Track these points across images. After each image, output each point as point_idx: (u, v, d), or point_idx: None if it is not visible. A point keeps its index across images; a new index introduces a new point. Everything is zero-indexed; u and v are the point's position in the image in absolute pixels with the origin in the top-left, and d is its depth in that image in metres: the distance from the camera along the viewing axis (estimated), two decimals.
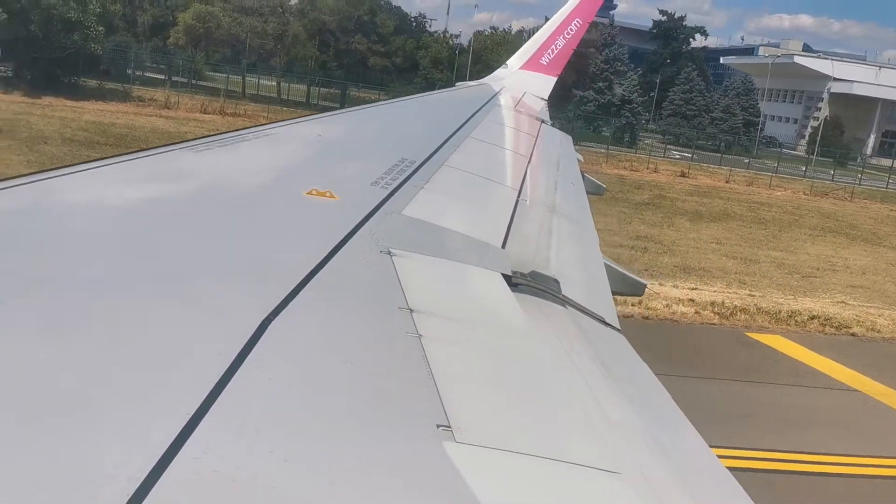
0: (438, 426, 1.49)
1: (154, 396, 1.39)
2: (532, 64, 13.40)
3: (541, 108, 11.54)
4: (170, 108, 48.03)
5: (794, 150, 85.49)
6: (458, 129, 6.15)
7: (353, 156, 4.65)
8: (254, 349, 1.60)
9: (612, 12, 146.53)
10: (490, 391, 1.84)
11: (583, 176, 7.48)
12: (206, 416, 1.33)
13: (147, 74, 62.14)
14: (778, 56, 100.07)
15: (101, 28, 48.79)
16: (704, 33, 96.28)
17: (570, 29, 13.41)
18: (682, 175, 49.70)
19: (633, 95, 68.91)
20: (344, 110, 7.29)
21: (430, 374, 1.70)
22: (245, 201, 2.98)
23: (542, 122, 9.85)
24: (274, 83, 65.51)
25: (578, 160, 8.61)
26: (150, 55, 64.83)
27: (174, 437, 1.25)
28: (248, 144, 4.10)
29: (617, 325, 2.93)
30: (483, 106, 8.78)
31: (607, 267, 3.92)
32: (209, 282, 2.02)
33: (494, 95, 10.65)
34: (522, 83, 12.60)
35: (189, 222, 2.58)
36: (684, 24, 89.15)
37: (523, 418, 1.73)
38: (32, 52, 45.19)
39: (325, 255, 2.31)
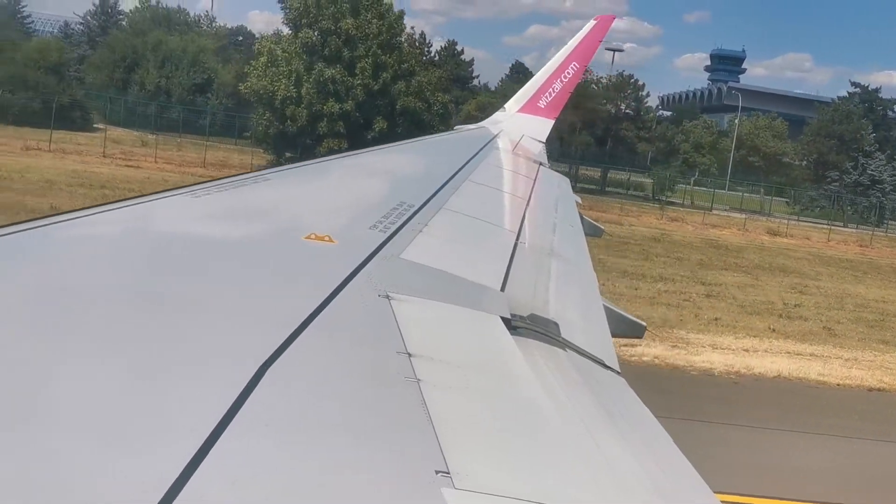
0: (437, 472, 1.48)
1: (149, 443, 1.38)
2: (530, 107, 13.52)
3: (539, 150, 11.62)
4: None
5: None
6: (457, 172, 6.19)
7: (351, 199, 4.68)
8: (251, 394, 1.59)
9: (739, 76, 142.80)
10: (489, 436, 1.83)
11: (581, 217, 7.51)
12: (203, 463, 1.32)
13: None
14: None
15: (440, 127, 53.24)
16: None
17: (568, 72, 13.56)
18: None
19: (884, 175, 68.67)
20: (343, 155, 7.34)
21: (428, 420, 1.69)
22: (243, 246, 2.98)
23: (540, 164, 9.91)
24: None
25: (577, 202, 8.64)
26: None
27: (170, 485, 1.24)
28: (248, 189, 4.13)
29: (617, 367, 2.91)
30: (481, 149, 8.84)
31: (606, 309, 3.92)
32: (207, 327, 2.01)
33: (492, 139, 10.73)
34: (520, 126, 12.70)
35: (187, 267, 2.58)
36: (879, 95, 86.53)
37: (523, 464, 1.72)
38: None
39: (323, 299, 2.30)
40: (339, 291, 2.43)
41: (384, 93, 46.35)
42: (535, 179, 8.21)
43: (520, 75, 79.48)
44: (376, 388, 1.87)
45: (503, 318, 2.69)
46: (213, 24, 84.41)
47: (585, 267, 4.94)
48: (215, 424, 1.44)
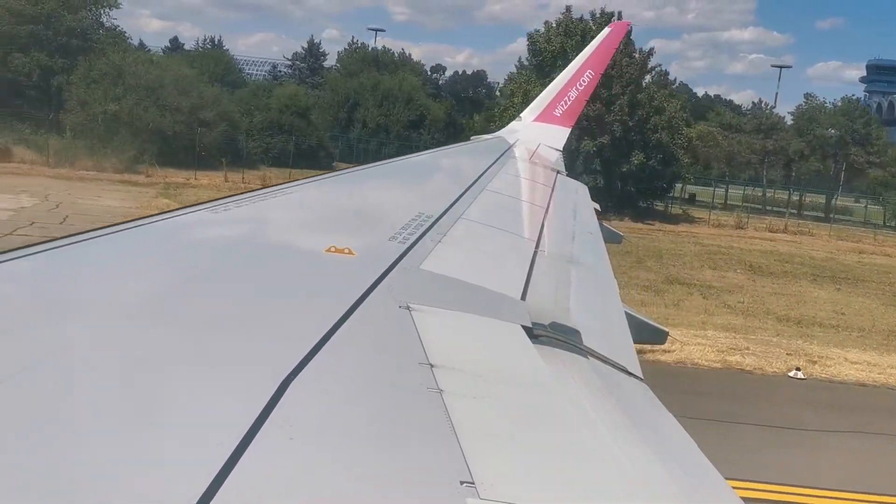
0: (462, 482, 1.47)
1: (175, 457, 1.39)
2: (546, 116, 13.51)
3: (556, 158, 11.60)
4: (742, 228, 49.03)
5: None
6: (475, 182, 6.19)
7: (370, 212, 4.69)
8: (275, 408, 1.60)
9: None
10: (513, 446, 1.82)
11: (600, 224, 7.48)
12: (229, 477, 1.33)
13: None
14: None
15: (692, 163, 54.27)
16: None
17: (583, 80, 13.55)
18: None
19: None
20: (360, 167, 7.38)
21: (452, 430, 1.69)
22: (264, 260, 3.00)
23: (558, 172, 9.89)
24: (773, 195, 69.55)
25: (595, 209, 8.61)
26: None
27: (197, 499, 1.25)
28: (267, 204, 4.15)
29: (640, 374, 2.90)
30: (498, 158, 8.85)
31: (627, 315, 3.90)
32: (230, 340, 2.03)
33: (509, 148, 10.73)
34: (537, 135, 12.69)
35: (210, 281, 2.60)
36: None
37: (547, 473, 1.71)
38: (635, 184, 50.13)
39: (345, 311, 2.31)
40: (360, 303, 2.44)
41: (638, 128, 47.66)
42: (552, 187, 8.20)
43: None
44: (399, 398, 1.88)
45: (524, 327, 2.68)
46: (410, 61, 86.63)
47: (606, 274, 4.92)
48: (241, 437, 1.45)
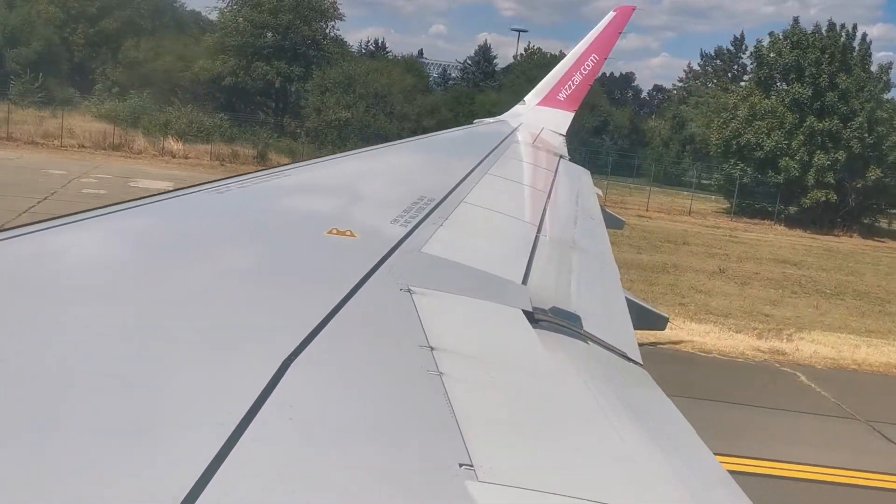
0: (461, 465, 1.48)
1: (174, 438, 1.39)
2: (550, 100, 13.46)
3: (559, 143, 11.57)
4: None
5: None
6: (477, 165, 6.18)
7: (372, 194, 4.69)
8: (275, 390, 1.61)
9: None
10: (512, 429, 1.83)
11: (602, 210, 7.48)
12: (227, 459, 1.33)
13: None
14: None
15: None
16: None
17: (587, 65, 13.49)
18: None
19: None
20: (363, 149, 7.36)
21: (451, 413, 1.69)
22: (265, 242, 3.00)
23: (561, 157, 9.87)
24: None
25: (598, 195, 8.60)
26: None
27: (194, 482, 1.25)
28: (269, 186, 4.15)
29: (639, 359, 2.91)
30: (501, 142, 8.82)
31: (628, 301, 3.90)
32: (230, 322, 2.03)
33: (512, 132, 10.69)
34: (540, 119, 12.65)
35: (211, 263, 2.60)
36: None
37: (546, 456, 1.72)
38: (865, 200, 48.81)
39: (346, 293, 2.31)
40: (362, 286, 2.44)
41: (875, 145, 46.92)
42: (555, 172, 8.18)
43: None
44: (399, 381, 1.88)
45: (525, 312, 2.68)
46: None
47: (607, 259, 4.92)
48: (240, 419, 1.45)
